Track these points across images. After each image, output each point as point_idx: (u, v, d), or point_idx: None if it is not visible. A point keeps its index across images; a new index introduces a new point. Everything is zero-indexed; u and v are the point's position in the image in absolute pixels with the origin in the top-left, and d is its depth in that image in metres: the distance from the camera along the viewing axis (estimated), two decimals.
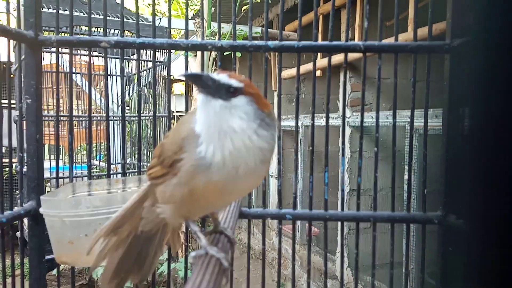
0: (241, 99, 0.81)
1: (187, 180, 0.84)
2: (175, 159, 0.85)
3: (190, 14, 6.05)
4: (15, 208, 1.48)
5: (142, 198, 1.05)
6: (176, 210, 0.93)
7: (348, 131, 4.32)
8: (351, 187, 4.26)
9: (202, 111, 0.82)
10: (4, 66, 1.51)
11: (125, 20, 1.67)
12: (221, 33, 1.62)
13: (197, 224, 1.04)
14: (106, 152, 1.62)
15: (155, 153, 0.99)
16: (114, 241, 1.06)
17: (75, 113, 3.87)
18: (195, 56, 5.76)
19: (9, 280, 1.55)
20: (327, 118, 1.65)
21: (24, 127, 1.57)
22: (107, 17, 1.60)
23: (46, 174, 1.62)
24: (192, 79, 0.82)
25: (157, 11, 1.65)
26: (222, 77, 0.80)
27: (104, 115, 1.63)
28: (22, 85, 1.62)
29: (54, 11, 1.62)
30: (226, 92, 0.80)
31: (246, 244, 1.82)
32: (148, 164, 1.03)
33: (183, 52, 1.61)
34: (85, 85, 3.98)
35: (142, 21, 3.56)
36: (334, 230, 4.26)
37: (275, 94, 1.55)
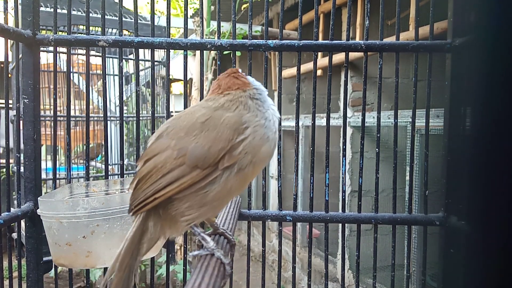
0: None
1: (255, 149, 0.94)
2: (231, 147, 0.92)
3: (190, 12, 6.04)
4: (12, 210, 1.46)
5: (139, 227, 1.00)
6: (211, 207, 0.95)
7: (349, 131, 4.31)
8: (352, 188, 4.24)
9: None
10: (2, 65, 1.50)
11: (123, 19, 1.66)
12: (221, 32, 1.60)
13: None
14: (103, 153, 1.60)
15: (179, 163, 0.93)
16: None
17: (72, 113, 3.86)
18: (194, 55, 5.75)
19: (6, 283, 1.54)
20: (328, 118, 1.64)
21: (21, 127, 1.55)
22: (106, 16, 1.59)
23: (44, 175, 1.61)
24: None
25: (156, 10, 1.64)
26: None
27: (102, 115, 1.61)
28: (20, 85, 1.61)
29: (52, 10, 1.61)
30: None
31: (245, 246, 1.80)
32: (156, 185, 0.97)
33: (182, 51, 1.60)
34: (83, 85, 3.96)
35: (141, 20, 3.55)
36: (335, 232, 4.24)
37: (276, 93, 1.55)
